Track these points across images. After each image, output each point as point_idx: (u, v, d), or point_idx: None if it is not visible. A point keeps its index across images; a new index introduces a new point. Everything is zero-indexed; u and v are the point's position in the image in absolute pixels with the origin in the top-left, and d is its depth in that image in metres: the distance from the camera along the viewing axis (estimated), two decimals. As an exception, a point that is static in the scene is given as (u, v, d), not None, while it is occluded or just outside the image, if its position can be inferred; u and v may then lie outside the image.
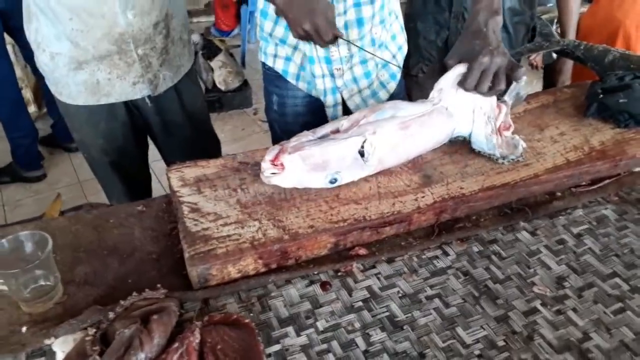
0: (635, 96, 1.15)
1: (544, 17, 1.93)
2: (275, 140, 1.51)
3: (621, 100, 1.16)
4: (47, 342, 0.75)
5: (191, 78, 1.58)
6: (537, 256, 0.94)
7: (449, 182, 1.02)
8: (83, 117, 1.43)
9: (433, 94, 1.09)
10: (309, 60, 1.28)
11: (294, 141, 0.99)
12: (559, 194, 1.08)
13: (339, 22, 1.21)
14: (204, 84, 3.65)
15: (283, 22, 1.26)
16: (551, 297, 0.86)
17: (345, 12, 1.21)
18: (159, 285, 0.82)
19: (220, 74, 3.68)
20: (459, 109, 1.08)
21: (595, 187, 1.09)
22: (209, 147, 1.75)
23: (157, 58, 1.39)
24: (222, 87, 3.66)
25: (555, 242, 0.97)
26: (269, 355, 0.76)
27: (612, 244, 0.97)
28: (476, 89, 1.04)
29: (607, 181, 1.10)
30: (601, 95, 1.19)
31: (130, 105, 1.46)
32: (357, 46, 1.25)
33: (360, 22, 1.24)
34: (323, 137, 1.01)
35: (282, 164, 0.96)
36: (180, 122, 1.57)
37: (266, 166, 0.97)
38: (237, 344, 0.74)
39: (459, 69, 1.06)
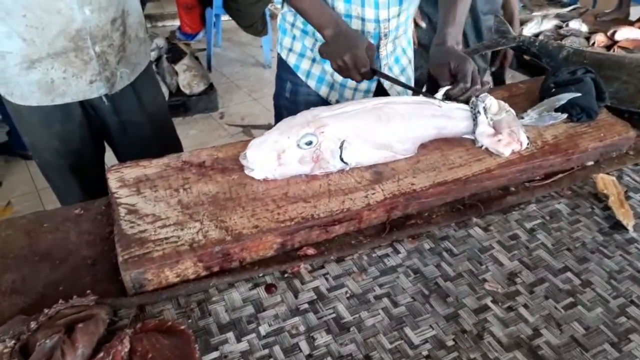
0: (587, 90, 1.15)
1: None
2: None
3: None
4: (-38, 356, 0.69)
5: (149, 76, 1.55)
6: (489, 252, 0.92)
7: (400, 179, 0.99)
8: (36, 118, 1.38)
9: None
10: None
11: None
12: (512, 188, 1.06)
13: (393, 24, 1.29)
14: (168, 88, 3.56)
15: None
16: (502, 294, 0.84)
17: (399, 15, 1.28)
18: (88, 292, 0.77)
19: (185, 78, 3.61)
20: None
21: (548, 181, 1.08)
22: (169, 148, 1.70)
23: (114, 55, 1.36)
24: (187, 91, 3.59)
25: (507, 237, 0.95)
26: (206, 362, 0.72)
27: (565, 238, 0.95)
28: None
29: (560, 175, 1.09)
30: (553, 90, 1.18)
31: (86, 105, 1.41)
32: (393, 81, 1.28)
33: (407, 19, 1.33)
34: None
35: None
36: (139, 121, 1.53)
37: (245, 163, 0.98)
38: (170, 352, 0.69)
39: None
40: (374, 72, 1.18)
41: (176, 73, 3.65)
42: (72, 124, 1.42)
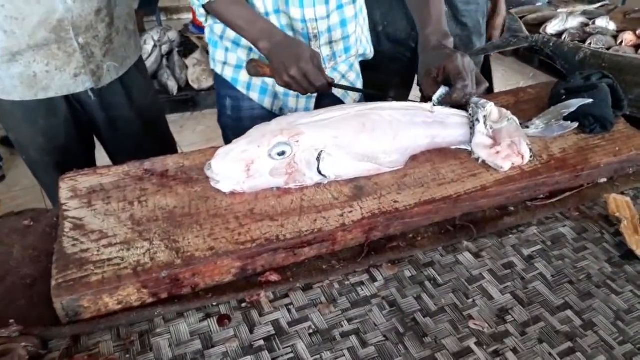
0: (601, 97, 1.02)
1: (531, 16, 1.80)
2: None
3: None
4: None
5: (139, 70, 1.48)
6: (478, 283, 0.81)
7: (383, 195, 0.89)
8: (19, 114, 1.32)
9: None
10: None
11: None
12: (511, 208, 0.94)
13: (323, 26, 1.17)
14: (177, 82, 3.50)
15: None
16: (489, 335, 0.73)
17: (328, 16, 1.16)
18: (11, 321, 0.68)
19: (194, 72, 3.53)
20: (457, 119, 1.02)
21: (553, 200, 0.96)
22: (161, 145, 1.63)
23: (100, 48, 1.29)
24: (195, 86, 3.51)
25: (501, 265, 0.84)
26: (137, 409, 0.63)
27: (567, 269, 0.84)
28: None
29: (567, 194, 0.97)
30: (564, 97, 1.06)
31: (71, 100, 1.35)
32: (354, 90, 1.28)
33: (343, 23, 1.21)
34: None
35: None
36: (128, 117, 1.46)
37: (210, 174, 0.89)
38: (93, 397, 0.60)
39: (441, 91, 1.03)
40: (330, 85, 1.07)
41: (186, 67, 3.58)
42: (56, 119, 1.36)
